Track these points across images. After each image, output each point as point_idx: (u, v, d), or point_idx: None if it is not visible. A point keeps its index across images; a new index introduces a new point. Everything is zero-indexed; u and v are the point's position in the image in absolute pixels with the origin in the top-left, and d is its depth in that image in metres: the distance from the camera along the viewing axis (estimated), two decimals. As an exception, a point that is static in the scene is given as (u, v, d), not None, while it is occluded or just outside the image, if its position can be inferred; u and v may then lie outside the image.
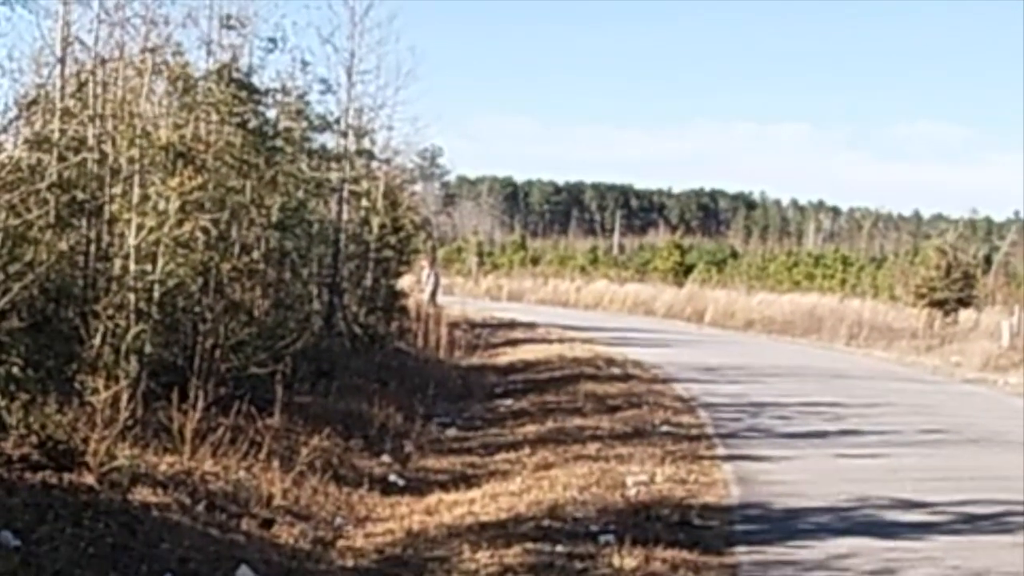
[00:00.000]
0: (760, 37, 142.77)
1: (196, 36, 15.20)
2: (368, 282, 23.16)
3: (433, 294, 31.84)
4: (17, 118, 12.02)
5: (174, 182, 12.90)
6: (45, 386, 10.67)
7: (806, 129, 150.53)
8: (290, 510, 11.00)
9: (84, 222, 12.61)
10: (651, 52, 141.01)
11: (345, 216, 21.37)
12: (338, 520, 11.20)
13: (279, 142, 17.26)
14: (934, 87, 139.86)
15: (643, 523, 10.94)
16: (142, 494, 9.90)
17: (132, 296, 12.57)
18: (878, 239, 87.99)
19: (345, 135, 21.40)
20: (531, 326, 35.46)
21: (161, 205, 12.89)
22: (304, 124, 19.01)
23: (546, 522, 10.91)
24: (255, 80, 16.28)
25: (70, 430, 10.12)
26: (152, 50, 13.87)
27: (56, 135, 12.19)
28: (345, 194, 21.27)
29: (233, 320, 14.41)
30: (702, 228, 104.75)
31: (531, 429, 16.74)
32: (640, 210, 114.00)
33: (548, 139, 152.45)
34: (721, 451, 15.17)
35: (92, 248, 12.68)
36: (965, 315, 37.27)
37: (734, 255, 66.63)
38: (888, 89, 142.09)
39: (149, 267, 12.82)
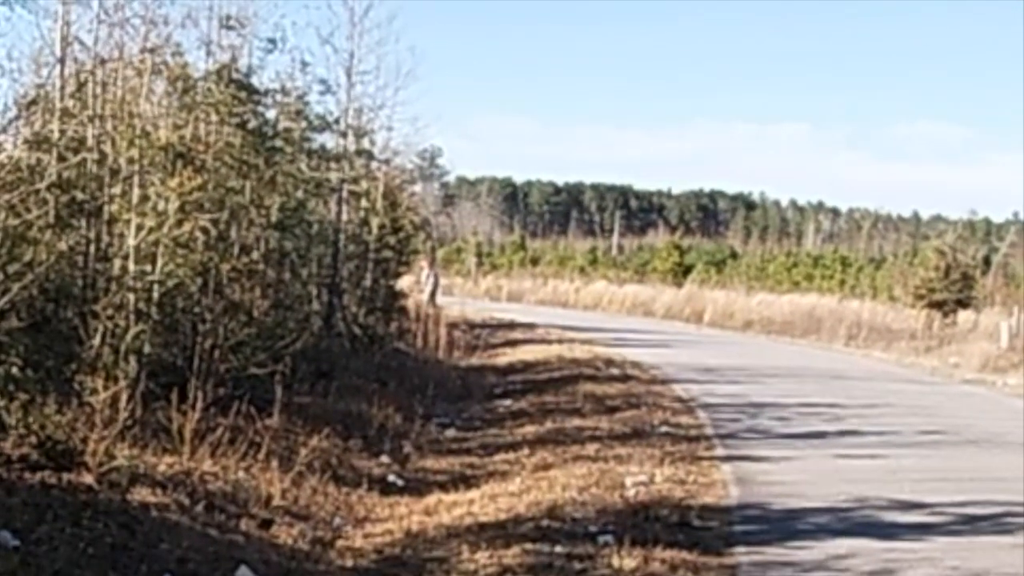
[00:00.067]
0: (759, 37, 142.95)
1: (196, 36, 15.24)
2: (367, 282, 23.17)
3: (432, 294, 31.85)
4: (17, 118, 12.02)
5: (173, 182, 12.91)
6: (44, 386, 10.67)
7: (806, 129, 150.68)
8: (289, 510, 11.00)
9: (83, 222, 12.62)
10: (651, 52, 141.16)
11: (344, 216, 21.37)
12: (337, 520, 11.21)
13: (278, 142, 17.27)
14: (934, 87, 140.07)
15: (642, 524, 10.94)
16: (141, 494, 9.90)
17: (131, 296, 12.58)
18: (877, 240, 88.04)
19: (344, 135, 21.41)
20: (530, 327, 35.46)
21: (160, 205, 12.89)
22: (303, 124, 19.01)
23: (545, 523, 10.91)
24: (255, 80, 16.30)
25: (69, 430, 10.13)
26: (151, 50, 13.87)
27: (55, 135, 12.19)
28: (344, 194, 21.28)
29: (232, 320, 14.41)
30: (701, 229, 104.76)
31: (530, 430, 16.74)
32: (639, 211, 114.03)
33: (547, 139, 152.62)
34: (720, 452, 15.18)
35: (91, 248, 12.69)
36: (964, 316, 37.28)
37: (733, 256, 66.63)
38: (888, 89, 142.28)
39: (148, 267, 12.83)
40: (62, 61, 12.63)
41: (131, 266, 12.65)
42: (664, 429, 16.73)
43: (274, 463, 11.80)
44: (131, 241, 12.68)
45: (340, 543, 10.46)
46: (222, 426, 11.99)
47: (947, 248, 38.41)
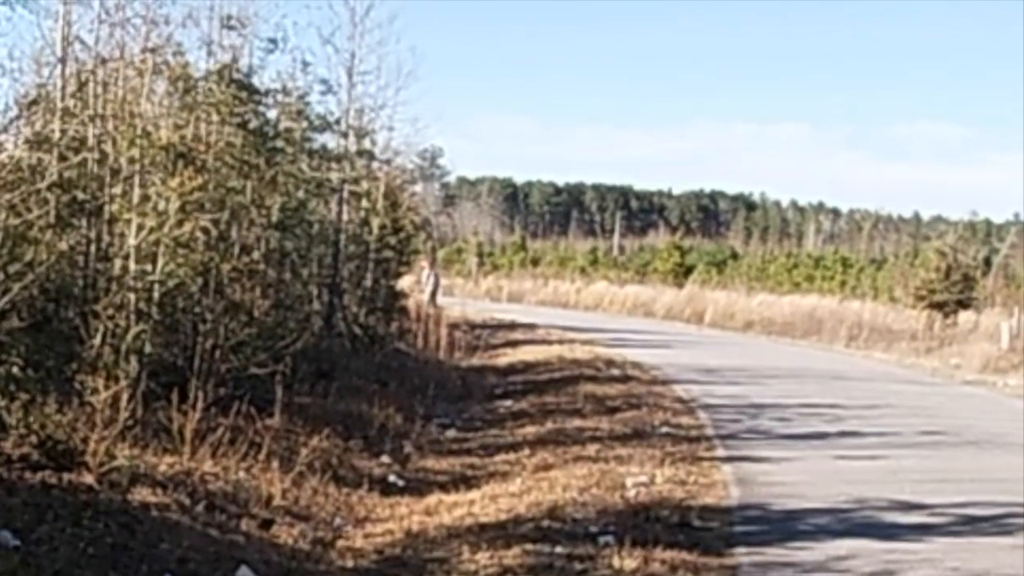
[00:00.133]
0: (759, 37, 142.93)
1: (197, 36, 15.24)
2: (368, 283, 23.17)
3: (433, 295, 31.85)
4: (18, 118, 12.02)
5: (174, 182, 12.91)
6: (45, 386, 10.67)
7: (806, 129, 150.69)
8: (290, 510, 11.00)
9: (84, 222, 12.62)
10: (651, 52, 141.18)
11: (345, 216, 21.38)
12: (337, 521, 11.21)
13: (279, 142, 17.27)
14: (933, 87, 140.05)
15: (643, 524, 10.94)
16: (141, 494, 9.90)
17: (132, 296, 12.58)
18: (878, 241, 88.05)
19: (345, 136, 21.41)
20: (531, 327, 35.46)
21: (161, 205, 12.89)
22: (304, 124, 19.02)
23: (546, 523, 10.91)
24: (255, 80, 16.30)
25: (70, 430, 10.13)
26: (153, 50, 13.87)
27: (56, 135, 12.19)
28: (345, 195, 21.28)
29: (233, 320, 14.41)
30: (702, 229, 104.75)
31: (531, 430, 16.74)
32: (640, 211, 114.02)
33: (548, 139, 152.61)
34: (721, 452, 15.18)
35: (92, 248, 12.69)
36: (964, 317, 37.27)
37: (734, 256, 66.63)
38: (887, 89, 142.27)
39: (149, 267, 12.83)
40: (63, 61, 12.63)
41: (132, 266, 12.65)
42: (665, 430, 16.73)
43: (275, 463, 11.80)
44: (132, 241, 12.68)
45: (341, 543, 10.46)
46: (223, 426, 11.99)
47: (948, 249, 38.41)
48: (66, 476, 9.71)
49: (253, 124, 15.69)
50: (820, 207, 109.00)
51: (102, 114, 12.92)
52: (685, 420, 17.86)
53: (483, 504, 11.83)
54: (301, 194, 18.59)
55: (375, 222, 23.03)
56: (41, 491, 9.31)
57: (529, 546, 10.02)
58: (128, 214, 12.77)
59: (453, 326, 29.36)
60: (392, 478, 13.30)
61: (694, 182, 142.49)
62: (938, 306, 37.04)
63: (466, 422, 17.93)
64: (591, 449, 14.93)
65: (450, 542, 10.27)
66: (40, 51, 13.62)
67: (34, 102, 12.39)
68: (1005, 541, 10.84)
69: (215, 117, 14.83)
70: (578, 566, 9.58)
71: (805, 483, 13.33)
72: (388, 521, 11.36)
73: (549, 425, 17.01)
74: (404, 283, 28.11)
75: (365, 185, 22.74)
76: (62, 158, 12.06)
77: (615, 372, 23.98)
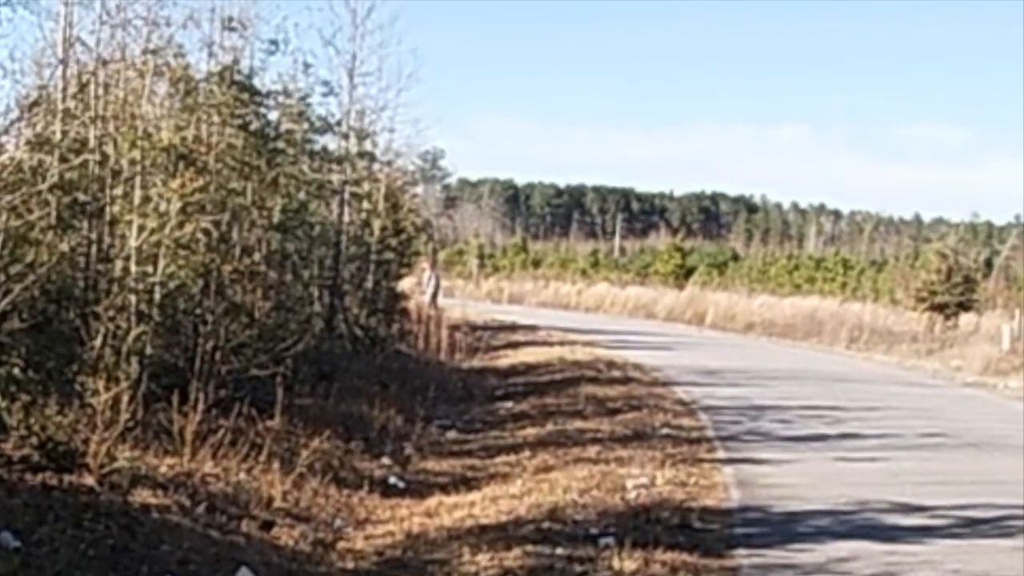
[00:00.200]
0: (759, 39, 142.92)
1: (198, 38, 15.25)
2: (369, 284, 23.18)
3: (434, 296, 31.85)
4: (19, 119, 12.03)
5: (175, 184, 12.92)
6: (46, 387, 10.68)
7: (806, 131, 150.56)
8: (290, 512, 11.01)
9: (85, 223, 12.63)
10: (651, 54, 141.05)
11: (346, 218, 21.38)
12: (338, 522, 11.21)
13: (280, 144, 17.28)
14: (934, 88, 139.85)
15: (643, 526, 10.94)
16: (142, 496, 9.90)
17: (133, 298, 12.59)
18: (879, 242, 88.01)
19: (346, 137, 21.41)
20: (532, 329, 35.47)
21: (162, 207, 12.90)
22: (305, 126, 19.03)
23: (546, 525, 10.91)
24: (256, 82, 16.32)
25: (70, 431, 10.13)
26: (154, 52, 13.89)
27: (57, 136, 12.20)
28: (346, 196, 21.29)
29: (234, 322, 14.41)
30: (703, 231, 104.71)
31: (531, 432, 16.74)
32: (641, 213, 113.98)
33: (549, 141, 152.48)
34: (721, 454, 15.18)
35: (93, 249, 12.69)
36: (965, 319, 37.26)
37: (735, 258, 66.62)
38: (888, 90, 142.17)
39: (150, 269, 12.83)
40: (64, 62, 12.64)
41: (133, 267, 12.66)
42: (665, 431, 16.73)
43: (275, 465, 11.81)
44: (133, 242, 12.68)
45: (341, 545, 10.47)
46: (223, 428, 12.00)
47: (949, 251, 38.41)
48: (67, 477, 9.71)
49: (254, 126, 15.70)
50: (821, 209, 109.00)
51: (103, 115, 12.93)
52: (686, 422, 17.86)
53: (484, 506, 11.83)
54: (302, 196, 18.60)
55: (376, 224, 23.04)
56: (42, 492, 9.32)
57: (529, 548, 10.02)
58: (129, 215, 12.78)
59: (454, 328, 29.37)
60: (393, 480, 13.30)
61: (695, 184, 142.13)
62: (939, 308, 37.03)
63: (467, 424, 17.93)
64: (592, 451, 14.94)
65: (450, 544, 10.27)
66: (41, 52, 13.66)
67: (35, 103, 12.40)
68: (1005, 543, 10.84)
69: (216, 119, 14.84)
70: (578, 568, 9.58)
71: (806, 485, 13.33)
72: (389, 523, 11.36)
73: (550, 427, 17.01)
74: (405, 285, 28.12)
75: (366, 187, 22.76)
76: (63, 159, 12.07)
77: (616, 374, 23.98)
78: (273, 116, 17.65)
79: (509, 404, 19.97)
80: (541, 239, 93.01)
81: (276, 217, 16.93)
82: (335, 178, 20.75)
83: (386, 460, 14.22)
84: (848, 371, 28.18)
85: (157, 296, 12.90)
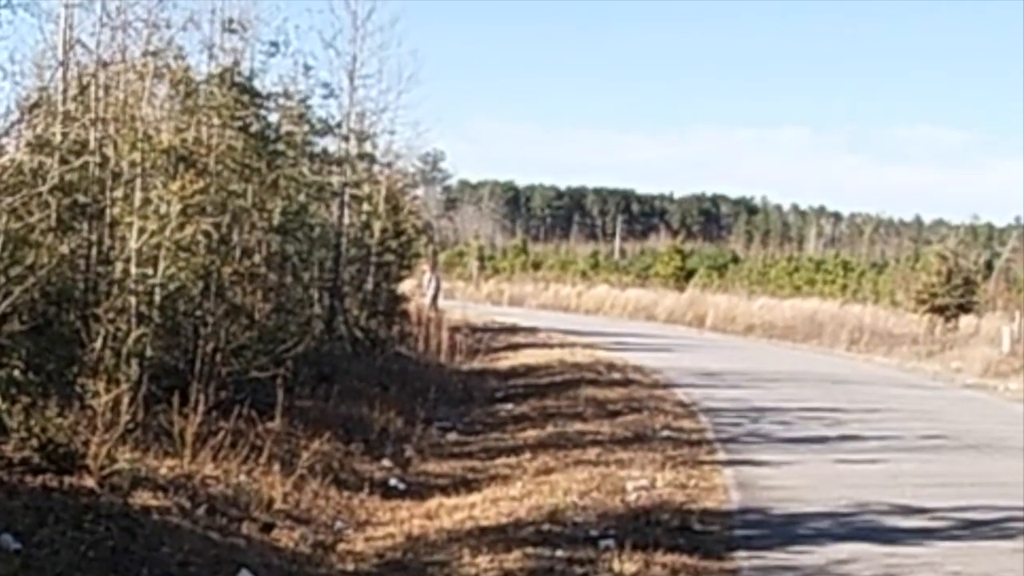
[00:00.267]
0: (760, 40, 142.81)
1: (198, 40, 15.25)
2: (369, 286, 23.19)
3: (434, 298, 31.87)
4: (19, 121, 12.02)
5: (175, 186, 12.92)
6: (46, 389, 10.69)
7: (807, 133, 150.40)
8: (290, 514, 11.01)
9: (85, 225, 12.63)
10: (652, 56, 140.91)
11: (346, 220, 21.39)
12: (338, 524, 11.21)
13: (281, 146, 17.28)
14: (934, 91, 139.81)
15: (643, 528, 10.94)
16: (142, 497, 9.90)
17: (133, 300, 12.59)
18: (879, 244, 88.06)
19: (347, 139, 21.42)
20: (532, 331, 35.48)
21: (162, 209, 12.91)
22: (306, 128, 19.03)
23: (546, 527, 10.91)
24: (257, 84, 16.31)
25: (71, 433, 10.13)
26: (154, 54, 13.89)
27: (58, 138, 12.21)
28: (346, 198, 21.29)
29: (234, 324, 14.42)
30: (703, 233, 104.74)
31: (532, 434, 16.74)
32: (641, 215, 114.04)
33: (549, 143, 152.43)
34: (721, 456, 15.18)
35: (93, 252, 12.69)
36: (966, 321, 37.27)
37: (735, 260, 66.66)
38: (888, 93, 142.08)
39: (150, 271, 12.84)
40: (64, 64, 12.65)
41: (133, 269, 12.66)
42: (665, 433, 16.73)
43: (275, 467, 11.81)
44: (133, 244, 12.69)
45: (341, 547, 10.47)
46: (223, 429, 12.00)
47: (949, 253, 38.43)
48: (67, 479, 9.71)
49: (254, 128, 15.70)
50: (821, 211, 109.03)
51: (103, 117, 12.93)
52: (686, 424, 17.86)
53: (484, 508, 11.83)
54: (302, 198, 18.60)
55: (376, 226, 23.05)
56: (42, 494, 9.32)
57: (530, 550, 10.02)
58: (129, 217, 12.79)
59: (454, 329, 29.37)
60: (393, 481, 13.30)
61: (695, 186, 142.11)
62: (939, 310, 37.05)
63: (467, 426, 17.93)
64: (592, 453, 14.94)
65: (451, 545, 10.27)
66: (41, 54, 13.67)
67: (35, 105, 12.40)
68: (1006, 545, 10.84)
69: (216, 121, 14.85)
70: (578, 570, 9.58)
71: (806, 487, 13.33)
72: (389, 524, 11.37)
73: (550, 429, 17.02)
74: (405, 287, 28.12)
75: (366, 189, 22.76)
76: (63, 161, 12.07)
77: (616, 376, 23.98)
78: (273, 118, 17.66)
79: (509, 406, 19.97)
80: (541, 241, 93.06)
81: (276, 219, 16.94)
82: (335, 180, 20.76)
83: (386, 462, 14.22)
84: (848, 373, 28.18)
85: (157, 298, 12.90)
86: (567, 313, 49.08)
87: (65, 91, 12.59)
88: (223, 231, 14.44)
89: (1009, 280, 48.23)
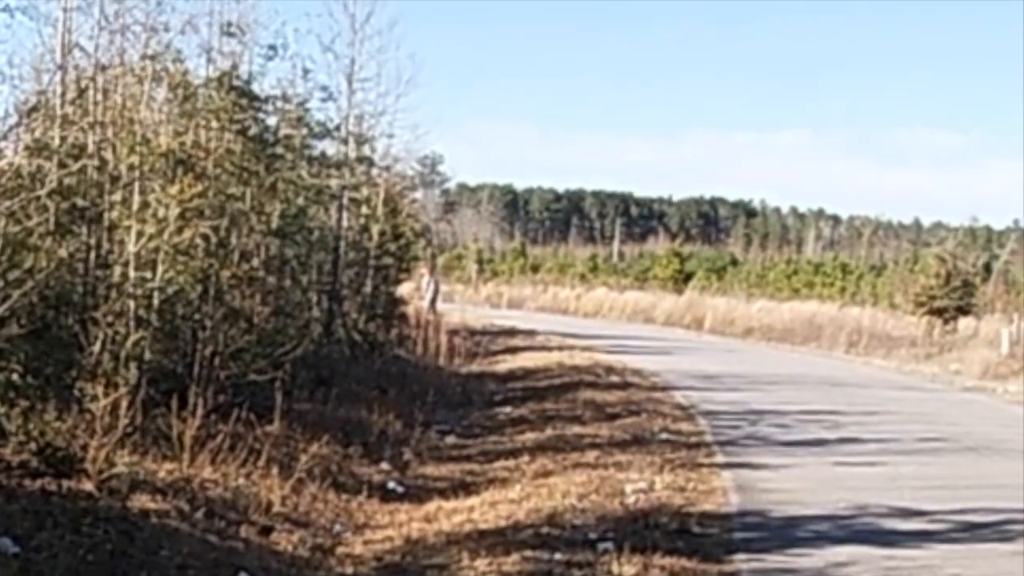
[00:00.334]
0: (759, 43, 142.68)
1: (196, 43, 15.25)
2: (368, 289, 23.18)
3: (433, 301, 31.88)
4: (17, 125, 12.02)
5: (174, 189, 12.92)
6: (44, 393, 10.69)
7: (805, 136, 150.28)
8: (289, 517, 11.01)
9: (84, 229, 12.62)
10: (651, 58, 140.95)
11: (345, 223, 21.39)
12: (337, 527, 11.21)
13: (279, 149, 17.28)
14: (933, 93, 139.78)
15: (642, 531, 10.94)
16: (141, 501, 9.90)
17: (132, 303, 12.59)
18: (878, 247, 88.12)
19: (345, 142, 21.42)
20: (531, 333, 35.48)
21: (161, 212, 12.91)
22: (304, 131, 19.04)
23: (545, 530, 10.92)
24: (255, 87, 16.31)
25: (69, 437, 10.13)
26: (152, 57, 13.89)
27: (56, 142, 12.20)
28: (345, 201, 21.29)
29: (233, 327, 14.42)
30: (702, 236, 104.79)
31: (530, 437, 16.74)
32: (640, 218, 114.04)
33: (548, 145, 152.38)
34: (720, 459, 15.18)
35: (92, 255, 12.69)
36: (964, 323, 37.29)
37: (734, 263, 66.68)
38: (887, 95, 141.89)
39: (149, 274, 12.84)
40: (63, 68, 12.65)
41: (131, 273, 12.66)
42: (664, 436, 16.73)
43: (274, 470, 11.81)
44: (131, 248, 12.69)
45: (340, 550, 10.46)
46: (222, 433, 11.99)
47: (948, 255, 38.45)
48: (66, 483, 9.71)
49: (253, 131, 15.70)
50: (820, 213, 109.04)
51: (102, 121, 12.93)
52: (684, 426, 17.86)
53: (482, 511, 11.83)
54: (301, 201, 18.60)
55: (375, 229, 23.05)
56: (41, 498, 9.32)
57: (528, 552, 10.03)
58: (128, 221, 12.79)
59: (453, 332, 29.37)
60: (391, 484, 13.30)
61: (694, 189, 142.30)
62: (938, 312, 37.06)
63: (466, 428, 17.93)
64: (590, 455, 14.94)
65: (449, 549, 10.28)
66: (40, 58, 13.67)
67: (34, 109, 12.40)
68: (1005, 547, 10.84)
69: (215, 124, 14.85)
70: (577, 573, 9.59)
71: (804, 489, 13.34)
72: (387, 528, 11.37)
73: (549, 431, 17.02)
74: (404, 290, 28.13)
75: (365, 192, 22.77)
76: (62, 165, 12.06)
77: (615, 378, 23.98)
78: (272, 121, 17.66)
79: (508, 409, 19.97)
80: (540, 244, 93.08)
81: (275, 222, 16.93)
82: (334, 183, 20.75)
83: (385, 465, 14.22)
84: (847, 375, 28.19)
85: (156, 301, 12.89)
86: (565, 316, 49.08)
87: (63, 95, 12.59)
88: (221, 234, 14.44)
89: (1008, 282, 48.24)
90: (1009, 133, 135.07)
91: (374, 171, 23.65)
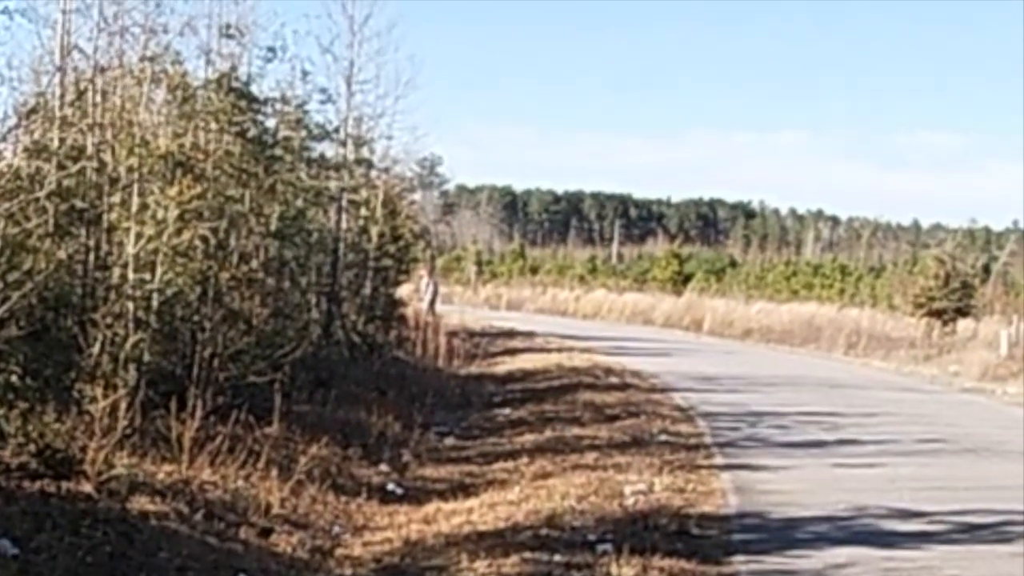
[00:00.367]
0: (758, 44, 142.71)
1: (195, 45, 15.25)
2: (367, 291, 23.19)
3: (432, 303, 31.87)
4: (16, 127, 12.02)
5: (173, 191, 12.93)
6: (44, 395, 10.69)
7: (805, 137, 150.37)
8: (288, 519, 11.01)
9: (83, 231, 12.63)
10: (649, 59, 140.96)
11: (344, 225, 21.39)
12: (336, 529, 11.21)
13: (278, 151, 17.28)
14: (933, 95, 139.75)
15: (641, 532, 10.94)
16: (140, 503, 9.90)
17: (131, 305, 12.59)
18: (877, 248, 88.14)
19: (344, 144, 21.43)
20: (530, 335, 35.48)
21: (160, 214, 12.91)
22: (303, 133, 19.04)
23: (544, 531, 10.91)
24: (254, 89, 16.32)
25: (68, 438, 10.14)
26: (151, 59, 13.89)
27: (55, 144, 12.20)
28: (344, 203, 21.30)
29: (232, 329, 14.42)
30: (701, 237, 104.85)
31: (529, 438, 16.74)
32: (639, 219, 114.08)
33: (547, 147, 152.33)
34: (719, 460, 15.18)
35: (91, 257, 12.69)
36: (963, 325, 37.29)
37: (733, 264, 66.73)
38: (887, 97, 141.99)
39: (148, 276, 12.84)
40: (62, 70, 12.65)
41: (130, 275, 12.66)
42: (663, 438, 16.73)
43: (273, 472, 11.80)
44: (130, 249, 12.69)
45: (339, 552, 10.47)
46: (221, 435, 11.99)
47: (947, 257, 38.46)
48: (65, 484, 9.71)
49: (252, 133, 15.70)
50: (819, 215, 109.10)
51: (101, 123, 12.93)
52: (683, 428, 17.86)
53: (481, 512, 11.83)
54: (300, 203, 18.61)
55: (374, 230, 23.06)
56: (40, 499, 9.32)
57: (527, 554, 10.02)
58: (127, 223, 12.79)
59: (452, 334, 29.37)
60: (391, 486, 13.30)
61: (693, 190, 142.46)
62: (937, 314, 37.06)
63: (465, 430, 17.93)
64: (589, 457, 14.93)
65: (448, 550, 10.27)
66: (39, 60, 13.66)
67: (33, 111, 12.40)
68: (1004, 549, 10.84)
69: (214, 126, 14.85)
70: (576, 574, 9.59)
71: (803, 491, 13.34)
72: (387, 529, 11.36)
73: (548, 433, 17.02)
74: (403, 291, 28.13)
75: (364, 193, 22.77)
76: (61, 167, 12.07)
77: (614, 380, 23.98)
78: (271, 123, 17.66)
79: (507, 410, 19.97)
80: (539, 245, 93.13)
81: (274, 224, 16.94)
82: (333, 185, 20.77)
83: (384, 467, 14.22)
84: (846, 377, 28.19)
85: (155, 303, 12.90)
86: (565, 317, 49.08)
87: (62, 96, 12.59)
88: (220, 236, 14.44)
89: (1007, 284, 48.26)
90: (1009, 134, 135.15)
91: (373, 173, 23.66)
